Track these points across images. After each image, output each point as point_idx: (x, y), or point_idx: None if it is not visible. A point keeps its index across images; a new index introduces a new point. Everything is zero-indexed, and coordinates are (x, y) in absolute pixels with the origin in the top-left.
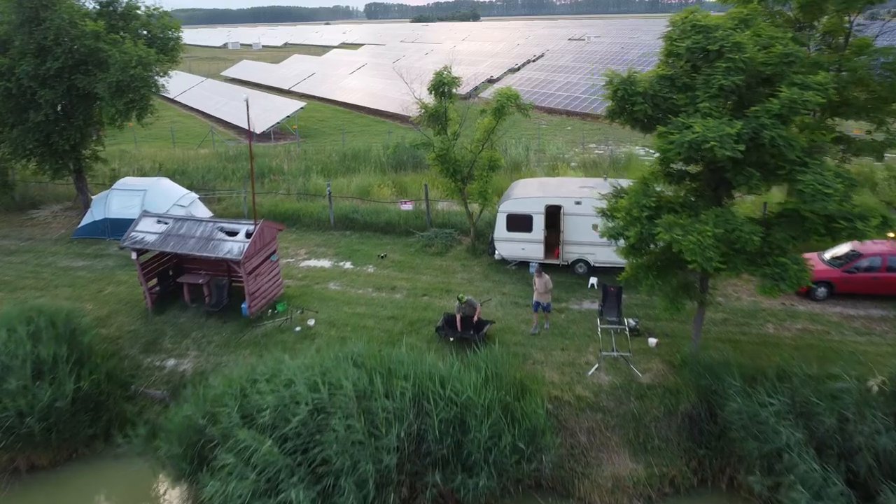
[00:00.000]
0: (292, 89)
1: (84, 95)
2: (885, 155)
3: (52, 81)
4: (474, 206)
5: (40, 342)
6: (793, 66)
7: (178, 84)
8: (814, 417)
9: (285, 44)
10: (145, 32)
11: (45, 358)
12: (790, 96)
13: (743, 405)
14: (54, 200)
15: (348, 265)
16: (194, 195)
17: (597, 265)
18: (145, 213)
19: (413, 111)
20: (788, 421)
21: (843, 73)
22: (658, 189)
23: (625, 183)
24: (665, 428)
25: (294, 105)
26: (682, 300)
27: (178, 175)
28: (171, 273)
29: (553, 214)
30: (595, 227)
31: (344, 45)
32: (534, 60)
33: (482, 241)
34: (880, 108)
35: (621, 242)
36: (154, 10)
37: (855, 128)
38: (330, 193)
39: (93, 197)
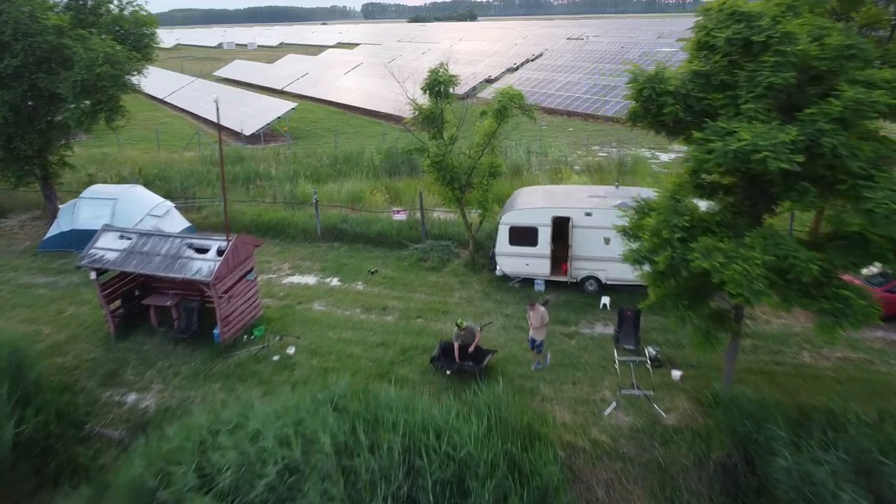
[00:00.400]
0: (285, 89)
1: (48, 96)
2: None
3: (10, 81)
4: (473, 217)
5: None
6: (853, 60)
7: (168, 84)
8: (878, 476)
9: (281, 44)
10: (117, 28)
11: None
12: (854, 96)
13: (793, 462)
14: (23, 209)
15: (335, 282)
16: (170, 204)
17: (609, 283)
18: (106, 228)
19: (406, 112)
20: (849, 482)
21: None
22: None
23: (645, 193)
24: (695, 480)
25: (285, 105)
26: (718, 333)
27: (159, 181)
28: (137, 293)
29: (560, 226)
30: (607, 240)
31: (340, 45)
32: (532, 60)
33: (482, 254)
34: None
35: (646, 267)
36: (127, 2)
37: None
38: (317, 202)
39: (60, 206)
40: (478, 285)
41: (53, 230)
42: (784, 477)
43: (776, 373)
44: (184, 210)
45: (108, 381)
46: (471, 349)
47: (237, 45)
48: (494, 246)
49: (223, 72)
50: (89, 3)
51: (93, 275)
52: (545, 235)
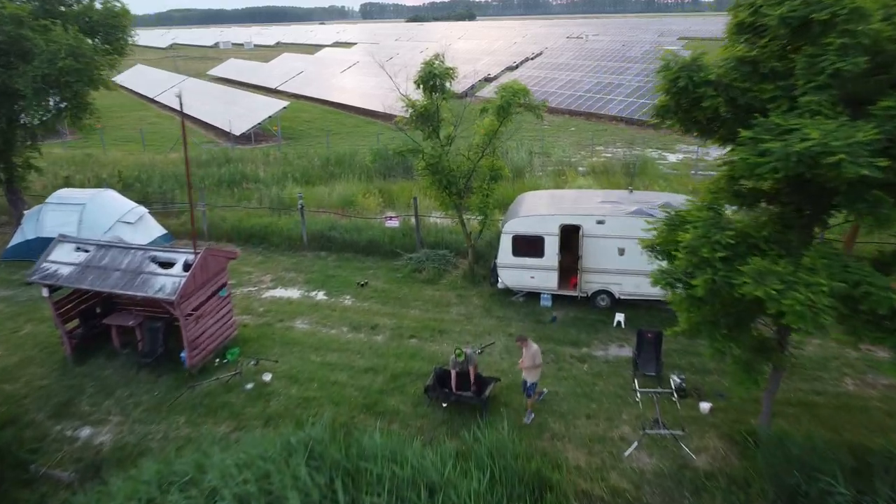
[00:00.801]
0: (280, 88)
1: (8, 93)
2: None
3: None
4: (473, 224)
5: None
6: None
7: (159, 84)
8: None
9: (278, 43)
10: (87, 20)
11: None
12: None
13: None
14: None
15: (321, 296)
16: (143, 209)
17: (623, 297)
18: (62, 238)
19: (397, 110)
20: None
21: None
22: (726, 213)
23: (664, 198)
24: None
25: (276, 104)
26: (762, 366)
27: (139, 183)
28: (98, 311)
29: (569, 235)
30: (622, 251)
31: (338, 45)
32: (532, 58)
33: (482, 265)
34: None
35: (678, 289)
36: None
37: None
38: (302, 207)
39: (25, 212)
40: (477, 300)
41: (17, 238)
42: None
43: (817, 404)
44: (162, 215)
45: (60, 412)
46: (473, 376)
47: (233, 44)
48: (496, 256)
49: (217, 71)
50: None
51: (45, 291)
52: (552, 245)
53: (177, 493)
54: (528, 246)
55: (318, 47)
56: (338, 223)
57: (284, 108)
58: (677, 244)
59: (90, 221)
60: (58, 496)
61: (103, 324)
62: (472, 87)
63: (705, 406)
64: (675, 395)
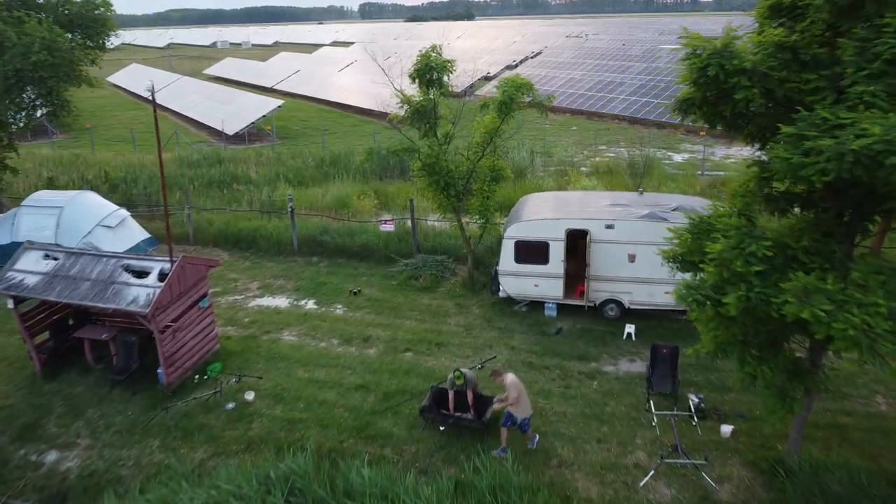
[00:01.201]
0: (276, 87)
1: None
2: None
3: None
4: (472, 227)
5: None
6: None
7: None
8: None
9: (275, 42)
10: (65, 12)
11: None
12: None
13: None
14: None
15: (311, 304)
16: (125, 212)
17: (633, 307)
18: (29, 246)
19: (391, 107)
20: None
21: None
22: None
23: (678, 201)
24: None
25: (271, 103)
26: (796, 391)
27: (124, 184)
28: (71, 323)
29: (575, 241)
30: (632, 258)
31: (336, 44)
32: (532, 57)
33: (482, 271)
34: None
35: (705, 305)
36: None
37: None
38: (293, 210)
39: (0, 215)
40: (478, 309)
41: None
42: None
43: (848, 426)
44: (146, 218)
45: (25, 434)
46: (472, 396)
47: (231, 44)
48: (497, 263)
49: (213, 70)
50: None
51: (10, 303)
52: (558, 251)
53: None
54: (532, 252)
55: (316, 46)
56: (330, 226)
57: (279, 106)
58: (704, 255)
59: (68, 225)
60: None
61: (75, 337)
62: (472, 86)
63: (726, 429)
64: (694, 416)
